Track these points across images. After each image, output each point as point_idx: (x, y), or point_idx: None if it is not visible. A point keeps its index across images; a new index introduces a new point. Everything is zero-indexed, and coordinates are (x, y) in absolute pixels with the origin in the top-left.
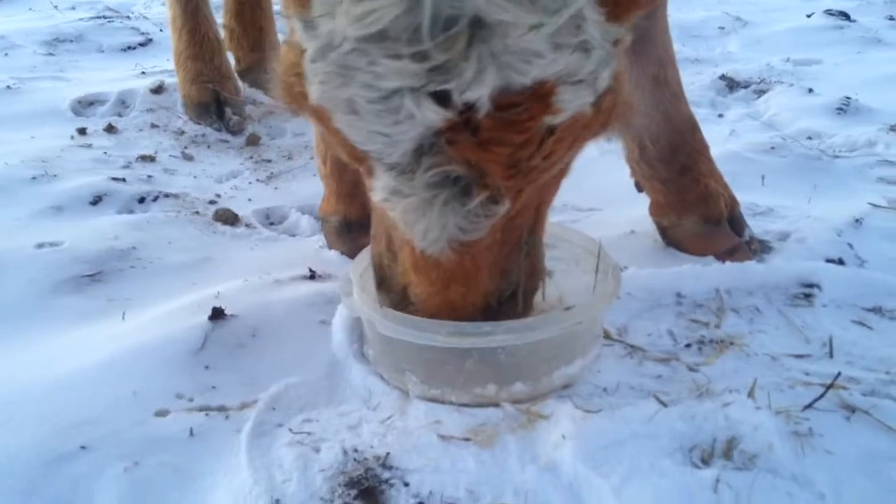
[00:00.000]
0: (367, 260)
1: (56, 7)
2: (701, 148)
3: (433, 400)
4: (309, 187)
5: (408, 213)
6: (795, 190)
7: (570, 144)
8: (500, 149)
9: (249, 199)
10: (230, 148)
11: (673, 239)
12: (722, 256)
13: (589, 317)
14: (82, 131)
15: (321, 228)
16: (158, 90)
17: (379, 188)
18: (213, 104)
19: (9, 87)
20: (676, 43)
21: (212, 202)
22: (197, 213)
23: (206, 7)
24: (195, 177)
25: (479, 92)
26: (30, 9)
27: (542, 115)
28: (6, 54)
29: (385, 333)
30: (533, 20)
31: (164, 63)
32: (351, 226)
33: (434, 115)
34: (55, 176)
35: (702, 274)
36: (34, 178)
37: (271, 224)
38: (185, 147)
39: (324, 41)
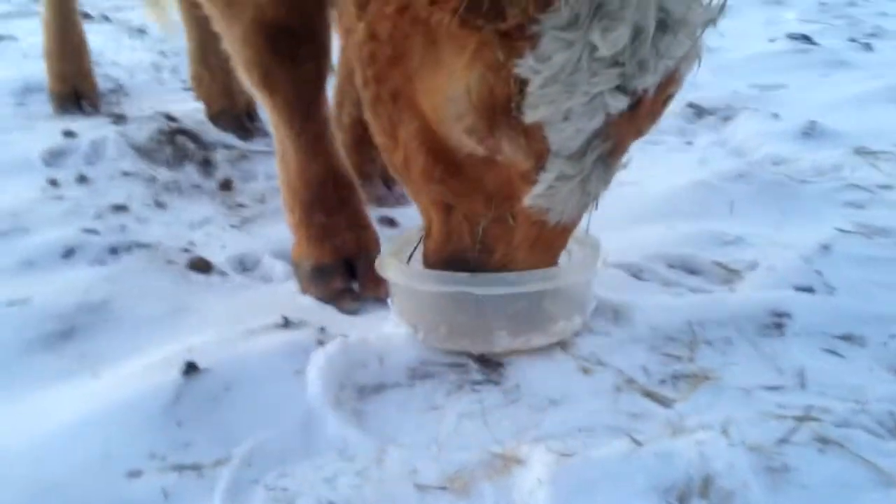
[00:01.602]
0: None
1: (25, 56)
2: None
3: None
4: (282, 231)
5: (566, 194)
6: (763, 217)
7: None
8: (646, 122)
9: (223, 246)
10: (203, 194)
11: None
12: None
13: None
14: (53, 182)
15: (294, 274)
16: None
17: (545, 180)
18: (73, 96)
19: None
20: None
21: (185, 250)
22: (170, 261)
23: (75, 15)
24: (168, 224)
25: (653, 81)
26: (1, 58)
27: (671, 87)
28: None
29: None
30: (706, 18)
31: (136, 111)
32: (323, 270)
33: (622, 105)
34: (26, 230)
35: (673, 306)
36: (4, 232)
37: (245, 270)
38: (158, 194)
39: (557, 69)
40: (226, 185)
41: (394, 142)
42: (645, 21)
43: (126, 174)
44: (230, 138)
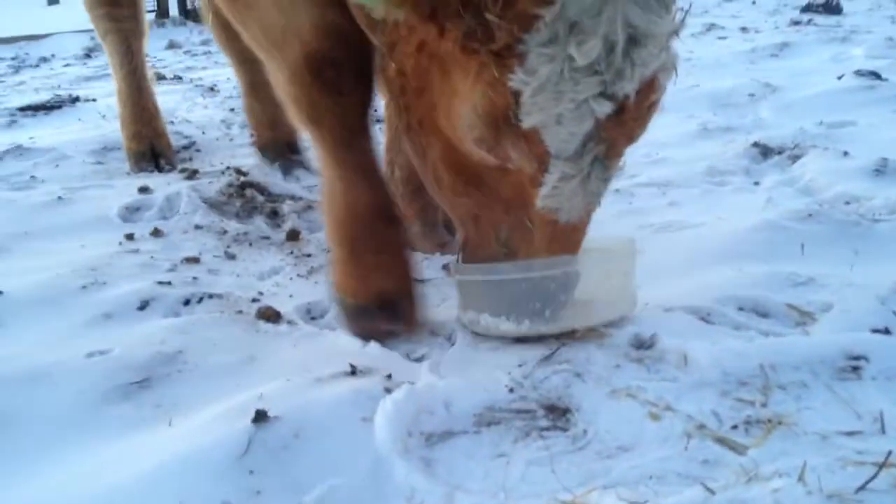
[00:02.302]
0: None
1: (104, 116)
2: None
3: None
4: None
5: (570, 194)
6: (836, 257)
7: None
8: (634, 123)
9: (291, 296)
10: (271, 244)
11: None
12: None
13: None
14: (130, 237)
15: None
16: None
17: (550, 182)
18: (149, 153)
19: (60, 197)
20: (707, 112)
21: (254, 300)
22: (240, 312)
23: (145, 81)
24: (238, 275)
25: (632, 88)
26: (79, 119)
27: (653, 94)
28: (57, 165)
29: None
30: (668, 30)
31: (207, 166)
32: (367, 311)
33: (607, 109)
34: (104, 283)
35: (745, 350)
36: (84, 286)
37: (312, 319)
38: (228, 246)
39: (543, 80)
40: (293, 236)
41: (426, 163)
42: (615, 35)
43: (198, 227)
44: (297, 189)
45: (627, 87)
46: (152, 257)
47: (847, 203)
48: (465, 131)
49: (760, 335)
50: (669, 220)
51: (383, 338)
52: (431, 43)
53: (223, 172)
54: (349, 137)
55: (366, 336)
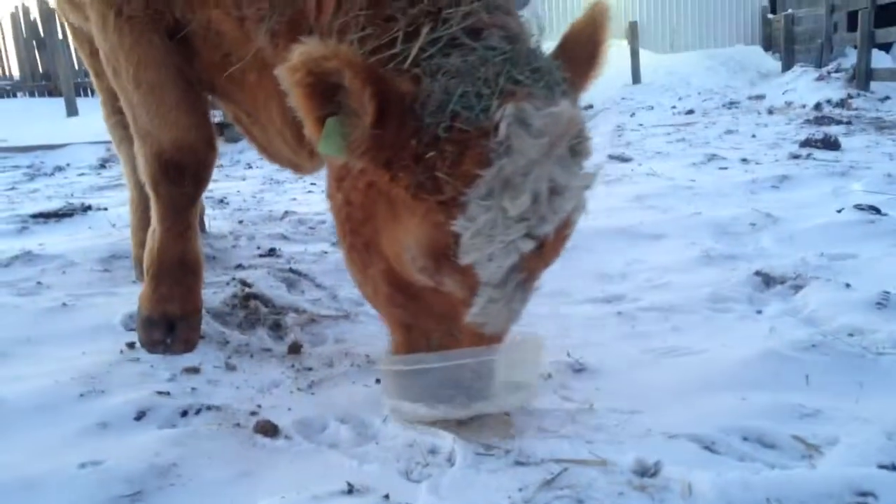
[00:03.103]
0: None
1: (114, 225)
2: None
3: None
4: (349, 395)
5: (495, 312)
6: (841, 389)
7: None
8: (550, 256)
9: (289, 409)
10: (272, 357)
11: None
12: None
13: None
14: (131, 345)
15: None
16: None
17: (478, 304)
18: None
19: (64, 304)
20: (709, 239)
21: (253, 413)
22: (238, 425)
23: None
24: (237, 387)
25: (551, 230)
26: (89, 227)
27: (566, 229)
28: (64, 272)
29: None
30: (584, 183)
31: (213, 276)
32: (151, 322)
33: (530, 247)
34: (102, 392)
35: (751, 482)
36: (82, 394)
37: (311, 434)
38: (229, 357)
39: (481, 226)
40: (295, 349)
41: (365, 277)
42: (540, 189)
43: (200, 337)
44: (301, 302)
45: (548, 229)
46: (152, 366)
47: (850, 335)
48: (408, 261)
49: (766, 467)
50: (672, 345)
51: (161, 348)
52: (382, 185)
53: (228, 283)
54: (176, 211)
55: (150, 344)
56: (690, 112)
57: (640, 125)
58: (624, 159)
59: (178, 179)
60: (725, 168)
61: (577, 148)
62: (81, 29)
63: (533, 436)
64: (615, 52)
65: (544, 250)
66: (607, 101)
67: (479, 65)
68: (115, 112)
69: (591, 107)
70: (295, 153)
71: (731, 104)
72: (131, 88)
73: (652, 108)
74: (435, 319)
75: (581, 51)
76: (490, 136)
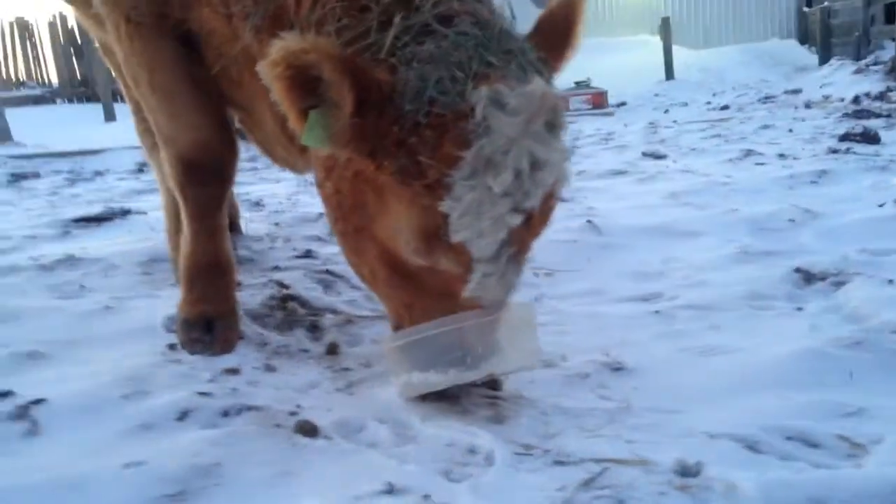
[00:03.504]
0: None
1: (153, 229)
2: None
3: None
4: (387, 395)
5: (491, 285)
6: (886, 388)
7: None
8: (538, 227)
9: (329, 409)
10: (311, 358)
11: None
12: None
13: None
14: (173, 346)
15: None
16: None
17: (474, 279)
18: None
19: (107, 306)
20: (746, 236)
21: (292, 413)
22: (278, 425)
23: None
24: (277, 388)
25: (537, 203)
26: (129, 231)
27: (551, 201)
28: (106, 276)
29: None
30: (563, 156)
31: (250, 278)
32: (189, 323)
33: (518, 221)
34: (145, 393)
35: (794, 482)
36: (125, 395)
37: (350, 434)
38: (269, 358)
39: (467, 205)
40: (332, 350)
41: (361, 261)
42: (521, 166)
43: (239, 337)
44: (338, 303)
45: (533, 202)
46: (193, 367)
47: (894, 332)
48: (401, 244)
49: (810, 467)
50: (711, 343)
51: (196, 348)
52: (368, 174)
53: (265, 285)
54: (204, 212)
55: (189, 343)
56: (725, 108)
57: (675, 121)
58: (658, 156)
59: (202, 180)
60: (762, 164)
61: (553, 122)
62: (106, 43)
63: (572, 435)
64: (648, 49)
65: (532, 223)
66: (640, 97)
67: (453, 50)
68: (143, 120)
69: (624, 104)
70: (287, 151)
71: (767, 99)
72: (149, 94)
73: (686, 104)
74: (434, 298)
75: (556, 32)
76: (468, 118)
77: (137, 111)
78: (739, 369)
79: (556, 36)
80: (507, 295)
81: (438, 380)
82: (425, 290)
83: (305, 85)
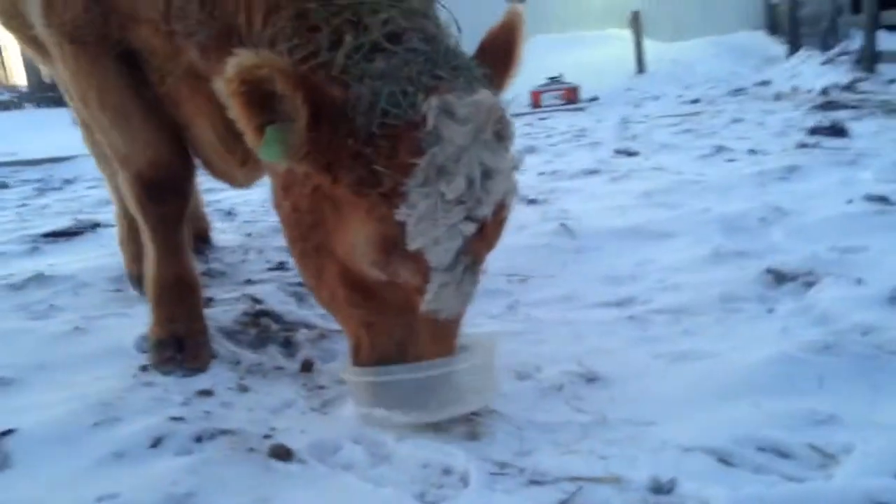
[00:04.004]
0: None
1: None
2: None
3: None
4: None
5: (448, 296)
6: (855, 393)
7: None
8: (492, 238)
9: (303, 431)
10: (285, 375)
11: None
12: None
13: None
14: (144, 368)
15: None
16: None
17: (431, 289)
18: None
19: (77, 327)
20: (719, 236)
21: (266, 436)
22: (252, 449)
23: None
24: (250, 409)
25: (489, 211)
26: (99, 245)
27: (503, 212)
28: (76, 294)
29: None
30: (512, 165)
31: (222, 293)
32: (161, 343)
33: (472, 229)
34: (117, 419)
35: (767, 496)
36: (96, 423)
37: (325, 457)
38: (242, 377)
39: (423, 212)
40: (307, 367)
41: (320, 282)
42: (473, 174)
43: (212, 357)
44: (312, 317)
45: (486, 211)
46: (166, 390)
47: (864, 334)
48: (359, 257)
49: (782, 479)
50: (684, 349)
51: (169, 366)
52: (326, 188)
53: (238, 300)
54: (164, 231)
55: (162, 363)
56: (696, 101)
57: (646, 116)
58: (630, 153)
59: (161, 198)
60: (733, 160)
61: (501, 133)
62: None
63: (547, 452)
64: (619, 43)
65: (485, 233)
66: (612, 92)
67: (403, 66)
68: (91, 132)
69: (596, 98)
70: (226, 164)
71: (738, 91)
72: (100, 114)
73: (657, 98)
74: (393, 314)
75: (498, 52)
76: (420, 127)
77: (85, 126)
78: (712, 376)
79: (498, 56)
80: (463, 306)
81: (400, 419)
82: (384, 307)
83: (261, 100)
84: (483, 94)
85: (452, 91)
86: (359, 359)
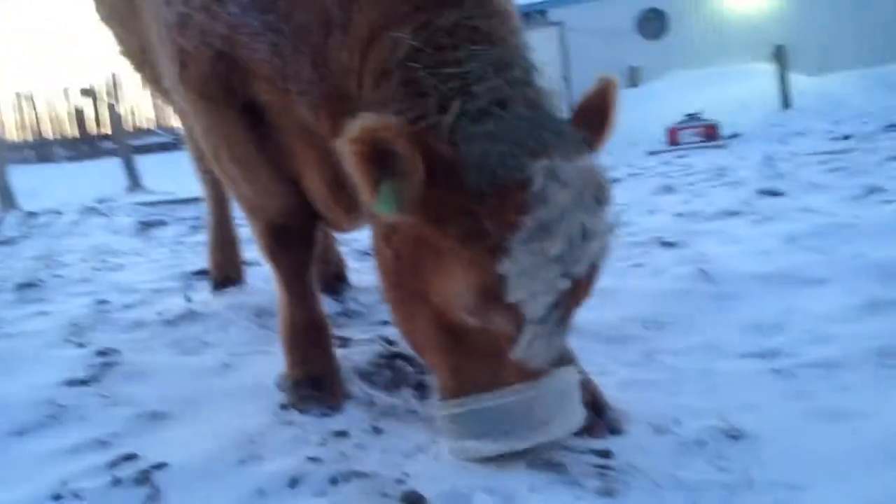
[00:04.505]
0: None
1: (265, 281)
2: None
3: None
4: (495, 462)
5: (538, 347)
6: None
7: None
8: (583, 295)
9: (435, 479)
10: (419, 419)
11: None
12: (585, 432)
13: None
14: (284, 407)
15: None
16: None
17: (524, 339)
18: (226, 279)
19: (225, 364)
20: (875, 284)
21: (399, 481)
22: (385, 494)
23: (230, 216)
24: (384, 452)
25: (584, 269)
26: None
27: (595, 272)
28: (224, 330)
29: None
30: (608, 228)
31: (358, 332)
32: (298, 384)
33: (567, 285)
34: (259, 458)
35: None
36: (242, 460)
37: None
38: (376, 419)
39: (524, 267)
40: None
41: (413, 327)
42: (573, 234)
43: (348, 398)
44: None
45: (581, 269)
46: (304, 429)
47: None
48: (457, 305)
49: None
50: (838, 407)
51: (309, 405)
52: (431, 238)
53: (372, 340)
54: (294, 276)
55: (300, 401)
56: (847, 137)
57: (792, 154)
58: (775, 193)
59: (289, 244)
60: (889, 201)
61: (599, 196)
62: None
63: None
64: (762, 77)
65: (578, 290)
66: (755, 128)
67: (509, 129)
68: (203, 159)
69: (737, 135)
70: (332, 213)
71: (892, 127)
72: (230, 167)
73: (804, 134)
74: (481, 359)
75: (593, 117)
76: (527, 188)
77: (198, 159)
78: (871, 438)
79: (593, 121)
80: (553, 358)
81: (491, 448)
82: (473, 352)
83: (379, 158)
84: (585, 160)
85: (556, 155)
86: (446, 394)
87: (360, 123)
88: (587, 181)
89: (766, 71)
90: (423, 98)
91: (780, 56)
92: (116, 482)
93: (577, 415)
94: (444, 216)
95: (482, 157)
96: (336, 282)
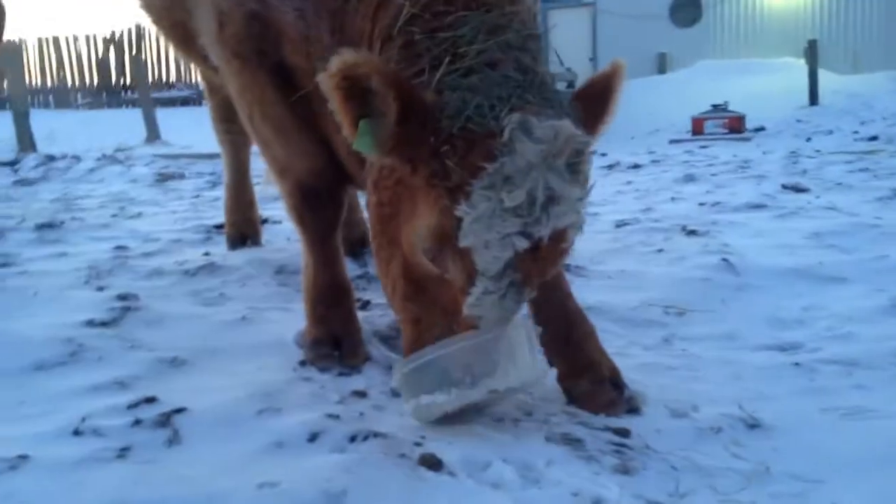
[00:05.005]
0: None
1: (288, 239)
2: (588, 330)
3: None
4: (513, 433)
5: (489, 305)
6: None
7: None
8: (546, 263)
9: (452, 443)
10: None
11: (572, 397)
12: (603, 408)
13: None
14: (303, 363)
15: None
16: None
17: (475, 293)
18: (242, 238)
19: (244, 317)
20: None
21: (417, 444)
22: (403, 455)
23: (247, 176)
24: (402, 415)
25: (545, 234)
26: (266, 240)
27: (563, 242)
28: (244, 285)
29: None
30: (578, 196)
31: (379, 296)
32: (318, 342)
33: (524, 244)
34: (278, 410)
35: None
36: (259, 411)
37: (474, 472)
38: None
39: (480, 213)
40: None
41: (387, 276)
42: (536, 192)
43: (367, 360)
44: None
45: (542, 231)
46: (323, 387)
47: None
48: (417, 242)
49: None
50: (856, 404)
51: (327, 362)
52: (405, 178)
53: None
54: (321, 238)
55: (319, 359)
56: (874, 138)
57: (818, 151)
58: (799, 189)
59: (317, 205)
60: None
61: (575, 165)
62: (210, 80)
63: (704, 497)
64: (791, 72)
65: (538, 255)
66: (781, 123)
67: (495, 85)
68: (220, 120)
69: (762, 129)
70: (357, 173)
71: None
72: (262, 126)
73: (831, 132)
74: (439, 313)
75: (594, 100)
76: (496, 137)
77: (219, 110)
78: (887, 438)
79: (594, 104)
80: (504, 320)
81: (444, 400)
82: (433, 304)
83: (359, 96)
84: (565, 123)
85: (535, 113)
86: (406, 351)
87: (340, 58)
88: (562, 144)
89: (795, 66)
90: (417, 58)
91: (811, 52)
92: (137, 422)
93: (534, 368)
94: (416, 157)
95: (460, 105)
96: (359, 246)
